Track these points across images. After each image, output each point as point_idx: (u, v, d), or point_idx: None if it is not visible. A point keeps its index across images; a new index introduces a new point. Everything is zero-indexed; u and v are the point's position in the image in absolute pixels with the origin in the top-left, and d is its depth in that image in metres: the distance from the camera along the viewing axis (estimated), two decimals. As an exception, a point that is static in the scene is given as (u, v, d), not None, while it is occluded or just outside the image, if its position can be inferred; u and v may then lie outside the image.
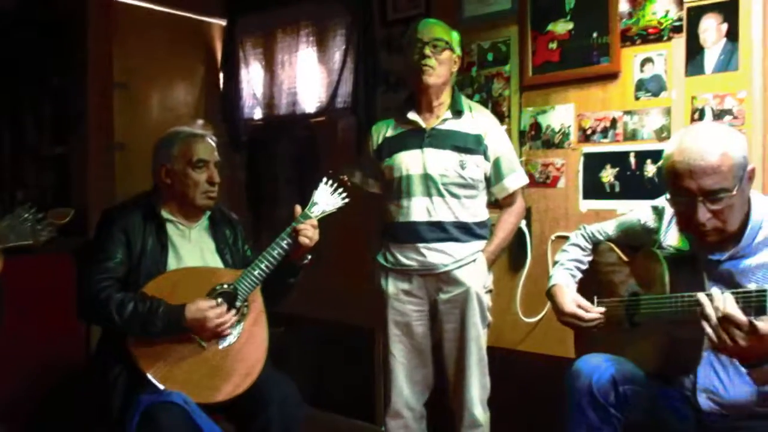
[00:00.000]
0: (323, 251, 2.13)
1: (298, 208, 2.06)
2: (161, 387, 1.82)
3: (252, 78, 3.54)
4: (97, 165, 3.12)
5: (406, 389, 2.30)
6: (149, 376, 1.84)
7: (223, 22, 3.63)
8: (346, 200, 2.13)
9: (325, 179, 2.11)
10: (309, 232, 2.01)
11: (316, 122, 3.31)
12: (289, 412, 1.89)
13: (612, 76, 2.37)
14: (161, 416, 1.72)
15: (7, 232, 1.55)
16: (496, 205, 2.36)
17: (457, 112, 2.26)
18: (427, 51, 2.19)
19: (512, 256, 2.60)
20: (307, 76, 3.31)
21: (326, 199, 2.09)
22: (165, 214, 2.06)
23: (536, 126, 2.56)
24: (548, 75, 2.51)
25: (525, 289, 2.59)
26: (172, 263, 2.00)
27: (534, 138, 2.57)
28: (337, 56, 3.17)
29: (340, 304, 3.11)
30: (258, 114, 3.54)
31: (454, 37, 2.27)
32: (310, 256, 2.10)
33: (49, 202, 3.19)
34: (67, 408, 2.71)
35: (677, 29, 2.23)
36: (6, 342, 1.69)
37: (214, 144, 2.13)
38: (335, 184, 2.12)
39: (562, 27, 2.48)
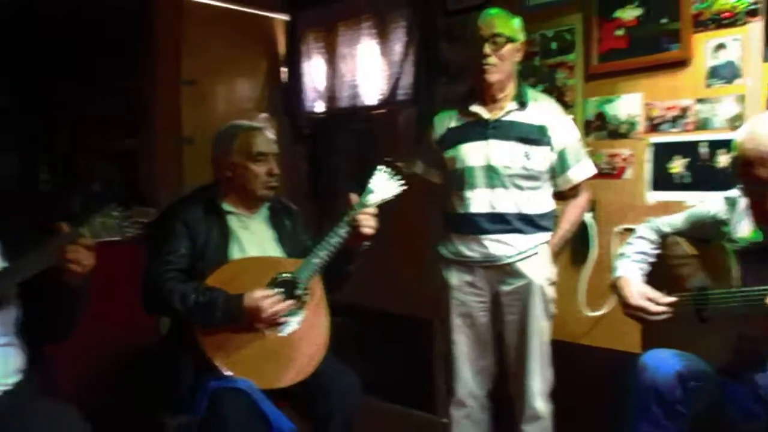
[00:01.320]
0: (382, 241, 2.14)
1: (353, 196, 2.07)
2: (227, 373, 1.88)
3: (314, 71, 3.58)
4: (166, 159, 3.21)
5: (469, 379, 2.30)
6: (216, 362, 1.90)
7: (286, 17, 3.68)
8: (403, 187, 2.12)
9: (381, 166, 2.11)
10: (369, 221, 2.02)
11: (377, 114, 3.33)
12: (351, 402, 1.93)
13: (682, 63, 2.29)
14: (228, 401, 1.78)
15: (99, 229, 1.61)
16: (561, 196, 2.32)
17: (522, 103, 2.22)
18: (487, 49, 2.14)
19: (576, 249, 2.55)
20: (368, 69, 3.32)
21: (383, 186, 2.09)
22: (226, 206, 2.11)
23: (601, 116, 2.50)
24: (615, 63, 2.44)
25: (589, 282, 2.54)
26: (234, 253, 2.05)
27: (599, 128, 2.51)
28: (398, 48, 3.17)
29: (398, 294, 3.12)
30: (320, 107, 3.58)
31: (515, 25, 2.20)
32: (368, 243, 2.10)
33: (121, 194, 3.32)
34: (137, 392, 2.83)
35: (753, 13, 2.14)
36: (80, 328, 1.77)
37: (272, 136, 2.17)
38: (392, 171, 2.11)
39: (629, 13, 2.41)
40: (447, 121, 2.31)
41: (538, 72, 2.65)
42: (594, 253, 2.53)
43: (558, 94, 2.57)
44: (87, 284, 1.65)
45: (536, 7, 2.64)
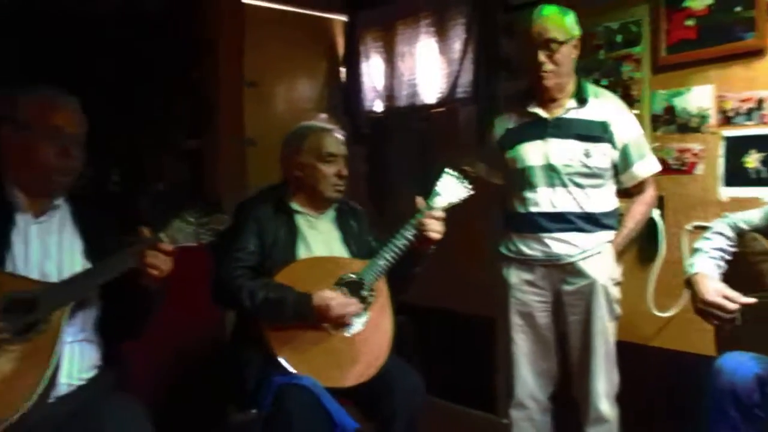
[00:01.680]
0: (443, 240, 2.13)
1: (419, 200, 2.06)
2: (292, 370, 1.90)
3: (372, 71, 3.59)
4: (230, 159, 3.28)
5: (530, 380, 2.26)
6: (281, 358, 1.92)
7: (345, 18, 3.71)
8: (471, 191, 2.11)
9: (448, 169, 2.11)
10: (436, 225, 2.02)
11: (437, 113, 3.31)
12: (414, 401, 1.92)
13: (758, 52, 2.19)
14: (292, 398, 1.80)
15: (176, 234, 1.64)
16: (625, 193, 2.25)
17: (581, 100, 2.17)
18: (542, 56, 2.10)
19: (643, 247, 2.47)
20: (427, 67, 3.31)
21: (450, 189, 2.09)
22: (294, 205, 2.14)
23: (670, 109, 2.42)
24: (684, 54, 2.36)
25: (657, 281, 2.46)
26: (301, 252, 2.08)
27: (668, 122, 2.42)
28: (457, 45, 3.15)
29: (459, 293, 3.10)
30: (378, 106, 3.59)
31: (568, 24, 2.13)
32: (434, 247, 2.09)
33: (187, 194, 3.41)
34: (204, 387, 2.90)
35: (835, -3, 2.03)
36: (150, 326, 1.83)
37: (342, 138, 2.18)
38: (459, 175, 2.11)
39: (700, 2, 2.32)
40: (506, 122, 2.29)
41: (602, 66, 2.58)
42: (663, 251, 2.45)
43: (624, 88, 2.51)
44: (164, 287, 1.69)
45: (600, 0, 2.57)
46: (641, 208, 2.23)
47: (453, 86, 3.17)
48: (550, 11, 2.14)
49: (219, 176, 3.28)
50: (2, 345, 1.48)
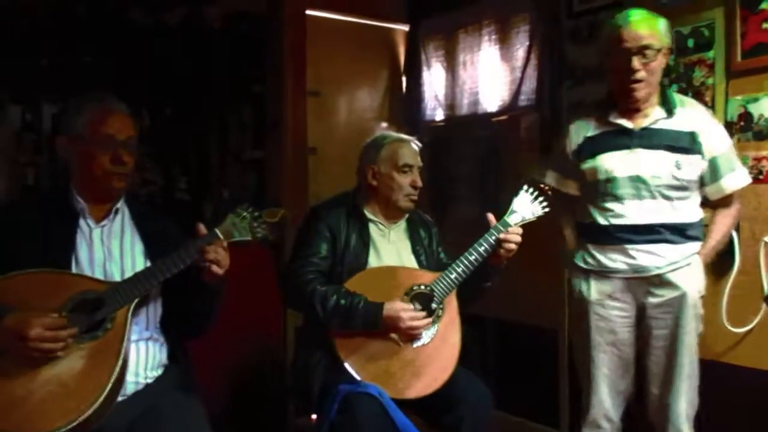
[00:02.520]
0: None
1: (491, 217, 2.05)
2: (357, 378, 1.91)
3: (434, 80, 3.59)
4: (292, 168, 3.33)
5: (607, 400, 2.15)
6: (347, 366, 1.93)
7: (406, 27, 3.72)
8: (547, 209, 2.09)
9: (525, 186, 2.08)
10: (512, 242, 2.01)
11: (499, 121, 3.28)
12: (481, 413, 1.90)
13: (840, 56, 2.09)
14: (358, 406, 1.81)
15: (231, 229, 1.69)
16: (706, 204, 2.15)
17: (669, 111, 2.07)
18: (636, 63, 1.97)
19: (716, 260, 2.37)
20: (489, 75, 3.28)
21: (526, 207, 2.07)
22: (368, 213, 2.16)
23: (746, 116, 2.33)
24: (762, 58, 2.26)
25: (732, 296, 2.36)
26: (372, 261, 2.10)
27: (743, 129, 2.33)
28: (520, 53, 3.11)
29: (522, 305, 3.06)
30: (440, 115, 3.58)
31: (662, 30, 2.02)
32: (506, 263, 2.08)
33: (250, 201, 3.47)
34: (264, 390, 2.94)
35: None
36: (210, 330, 1.87)
37: (417, 149, 2.20)
38: (535, 192, 2.08)
39: (779, 4, 2.23)
40: (583, 130, 2.18)
41: (673, 71, 2.50)
42: (737, 264, 2.35)
43: (695, 93, 2.42)
44: (224, 284, 1.73)
45: (671, 4, 2.50)
46: (728, 220, 2.13)
47: (516, 94, 3.14)
48: (642, 16, 2.02)
49: (282, 184, 3.33)
50: (71, 344, 1.53)
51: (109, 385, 1.53)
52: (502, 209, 2.11)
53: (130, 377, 1.65)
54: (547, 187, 2.14)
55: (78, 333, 1.55)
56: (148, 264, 1.73)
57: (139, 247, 1.77)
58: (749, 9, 2.29)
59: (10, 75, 3.14)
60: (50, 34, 3.10)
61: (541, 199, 2.09)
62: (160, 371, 1.74)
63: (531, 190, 2.08)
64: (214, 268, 1.65)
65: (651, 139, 2.06)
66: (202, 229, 1.68)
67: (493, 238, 2.02)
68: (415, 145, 2.20)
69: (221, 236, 1.67)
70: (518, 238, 2.02)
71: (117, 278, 1.68)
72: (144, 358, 1.70)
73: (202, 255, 1.64)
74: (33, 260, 1.60)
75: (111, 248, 1.73)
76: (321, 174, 3.45)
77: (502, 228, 2.02)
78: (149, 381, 1.70)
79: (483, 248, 2.01)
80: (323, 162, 3.49)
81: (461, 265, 2.01)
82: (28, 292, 1.57)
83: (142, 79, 3.22)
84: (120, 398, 1.61)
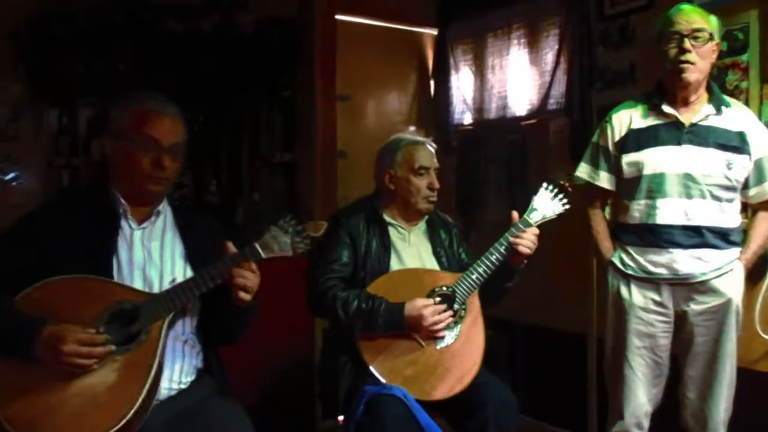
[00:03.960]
0: (535, 254, 2.09)
1: (515, 214, 2.04)
2: (383, 380, 1.92)
3: (462, 83, 3.59)
4: (322, 171, 3.36)
5: (642, 407, 2.13)
6: (372, 368, 1.94)
7: (434, 31, 3.73)
8: (567, 207, 2.06)
9: (545, 184, 2.07)
10: (529, 241, 1.99)
11: (527, 125, 3.27)
12: (506, 416, 1.89)
13: None
14: (384, 407, 1.82)
15: (272, 243, 1.64)
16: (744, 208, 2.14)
17: (718, 108, 2.04)
18: (687, 44, 1.97)
19: (751, 266, 2.34)
20: (518, 79, 3.28)
21: (546, 205, 2.05)
22: (387, 217, 2.17)
23: (781, 120, 2.29)
24: (797, 62, 2.23)
25: (766, 302, 2.32)
26: (393, 264, 2.10)
27: (778, 133, 2.29)
28: (549, 56, 3.10)
29: (549, 309, 3.04)
30: (468, 119, 3.58)
31: (714, 23, 2.03)
32: (526, 261, 2.07)
33: (280, 204, 3.52)
34: (293, 392, 2.97)
35: None
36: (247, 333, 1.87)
37: (433, 150, 2.20)
38: (556, 190, 2.07)
39: (815, 6, 2.19)
40: (628, 121, 2.13)
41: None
42: (772, 270, 2.31)
43: (730, 97, 2.39)
44: (254, 302, 1.69)
45: (705, 6, 2.43)
46: None
47: (544, 98, 3.13)
48: (695, 7, 2.06)
49: (311, 187, 3.36)
50: (107, 356, 1.52)
51: (140, 399, 1.51)
52: (525, 210, 2.09)
53: (164, 383, 1.63)
54: (567, 185, 2.11)
55: (114, 349, 1.53)
56: (188, 268, 1.72)
57: (179, 250, 1.75)
58: (785, 11, 2.26)
59: (49, 79, 3.22)
60: (88, 40, 3.18)
61: (561, 196, 2.07)
62: (193, 377, 1.73)
63: (551, 187, 2.06)
64: (242, 294, 1.62)
65: (702, 135, 2.03)
66: (231, 247, 1.64)
67: (513, 237, 2.01)
68: (431, 146, 2.20)
69: (261, 251, 1.64)
70: (533, 238, 2.00)
71: (155, 281, 1.67)
72: (179, 364, 1.69)
73: (230, 276, 1.61)
74: (74, 261, 1.58)
75: (151, 250, 1.71)
76: (350, 177, 3.47)
77: (522, 227, 2.01)
78: (183, 386, 1.69)
79: (504, 247, 2.01)
80: (352, 165, 3.52)
81: (482, 265, 2.01)
82: (64, 301, 1.56)
83: (176, 84, 3.29)
84: (154, 402, 1.61)
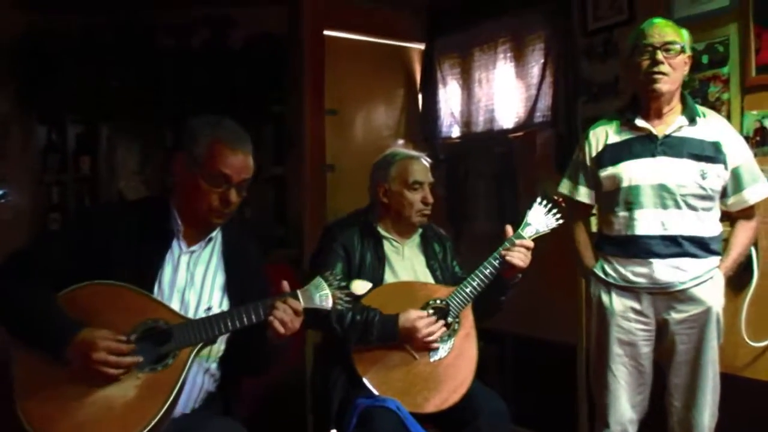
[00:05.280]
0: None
1: (509, 228, 2.05)
2: (375, 392, 1.92)
3: (449, 97, 3.63)
4: (311, 185, 3.38)
5: (626, 414, 2.15)
6: (365, 381, 1.95)
7: (422, 46, 3.78)
8: (560, 221, 2.08)
9: (539, 199, 2.09)
10: (523, 254, 2.01)
11: (515, 137, 3.31)
12: (498, 426, 1.91)
13: None
14: (377, 420, 1.82)
15: (313, 294, 1.64)
16: (724, 218, 2.15)
17: (692, 119, 2.08)
18: (659, 56, 2.01)
19: (735, 274, 2.37)
20: (504, 92, 3.32)
21: (540, 219, 2.07)
22: (381, 230, 2.18)
23: (762, 131, 2.33)
24: (776, 74, 2.28)
25: (751, 309, 2.36)
26: (388, 277, 2.11)
27: (759, 144, 2.34)
28: (535, 70, 3.15)
29: (539, 319, 3.06)
30: (456, 132, 3.62)
31: (685, 36, 2.08)
32: (521, 275, 2.08)
33: (270, 218, 3.53)
34: (285, 406, 2.96)
35: None
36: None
37: (428, 165, 2.22)
38: (549, 205, 2.08)
39: (792, 21, 2.25)
40: (605, 137, 2.18)
41: (688, 86, 2.50)
42: (756, 278, 2.35)
43: (710, 109, 2.42)
44: (288, 342, 1.69)
45: (685, 20, 2.50)
46: (749, 233, 2.13)
47: (531, 111, 3.17)
48: (667, 21, 2.10)
49: (301, 201, 3.38)
50: (132, 370, 1.53)
51: (154, 421, 1.51)
52: (519, 224, 2.10)
53: (178, 408, 1.62)
54: (560, 199, 2.14)
55: (142, 363, 1.54)
56: (225, 298, 1.72)
57: (219, 279, 1.74)
58: (763, 25, 2.31)
59: (38, 96, 3.23)
60: (78, 57, 3.19)
61: (554, 211, 2.09)
62: (204, 401, 1.72)
63: (544, 202, 2.08)
64: (277, 325, 1.60)
65: (675, 146, 2.06)
66: (286, 286, 1.64)
67: (506, 250, 2.02)
68: (425, 161, 2.21)
69: (302, 299, 1.63)
70: (527, 252, 2.02)
71: (192, 306, 1.67)
72: (196, 393, 1.69)
73: (272, 312, 1.60)
74: (119, 270, 1.59)
75: (194, 276, 1.70)
76: (339, 190, 3.49)
77: (514, 240, 2.02)
78: (196, 406, 1.69)
79: (498, 261, 2.02)
80: (341, 178, 3.54)
81: (476, 278, 2.02)
82: (104, 305, 1.57)
83: (166, 99, 3.30)
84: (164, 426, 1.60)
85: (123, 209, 1.82)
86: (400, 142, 3.78)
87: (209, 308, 1.69)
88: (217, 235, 1.77)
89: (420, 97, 3.80)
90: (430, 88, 3.71)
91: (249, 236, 1.90)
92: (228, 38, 3.41)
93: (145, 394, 1.53)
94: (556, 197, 2.13)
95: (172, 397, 1.54)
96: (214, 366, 1.73)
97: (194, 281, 1.70)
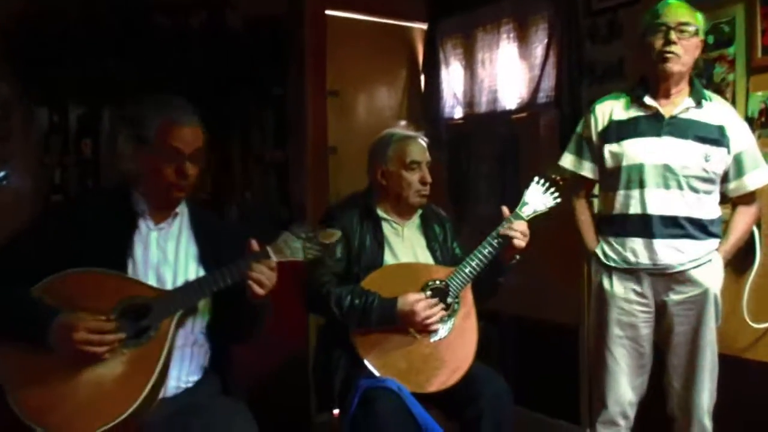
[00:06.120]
0: (527, 247, 2.10)
1: (505, 209, 2.05)
2: (377, 373, 1.94)
3: (452, 78, 3.60)
4: (313, 168, 3.36)
5: (626, 395, 2.17)
6: (366, 362, 1.96)
7: (424, 26, 3.74)
8: (558, 200, 2.07)
9: (537, 178, 2.08)
10: (521, 234, 2.00)
11: (518, 119, 3.29)
12: (501, 406, 1.92)
13: None
14: (378, 400, 1.83)
15: (283, 248, 1.66)
16: (724, 201, 2.16)
17: (699, 101, 2.08)
18: (673, 36, 2.00)
19: (738, 256, 2.36)
20: (508, 73, 3.29)
21: (538, 198, 2.06)
22: (380, 212, 2.18)
23: (767, 112, 2.32)
24: (782, 55, 2.26)
25: (753, 292, 2.35)
26: (387, 259, 2.11)
27: (764, 125, 2.33)
28: (539, 51, 3.12)
29: (541, 300, 3.06)
30: (458, 113, 3.59)
31: (700, 19, 2.07)
32: (519, 256, 2.08)
33: (272, 202, 3.52)
34: (288, 386, 2.98)
35: None
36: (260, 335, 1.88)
37: (425, 144, 2.20)
38: (547, 184, 2.07)
39: (800, 0, 2.22)
40: (610, 112, 2.17)
41: (694, 67, 2.49)
42: (759, 260, 2.34)
43: (716, 90, 2.41)
44: (268, 301, 1.72)
45: (692, 0, 2.49)
46: (748, 219, 2.13)
47: (534, 92, 3.15)
48: (682, 3, 2.09)
49: (303, 184, 3.36)
50: (116, 348, 1.56)
51: (144, 393, 1.54)
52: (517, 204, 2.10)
53: (171, 381, 1.66)
54: (559, 178, 2.11)
55: (125, 338, 1.57)
56: (201, 270, 1.75)
57: (193, 251, 1.78)
58: (770, 5, 2.29)
59: (38, 78, 3.21)
60: (77, 38, 3.16)
61: (552, 190, 2.07)
62: (198, 375, 1.75)
63: (542, 181, 2.07)
64: (256, 288, 1.64)
65: (681, 128, 2.06)
66: (254, 245, 1.67)
67: (505, 230, 2.02)
68: (422, 140, 2.20)
69: (272, 254, 1.65)
70: (525, 232, 2.01)
71: (168, 281, 1.71)
72: (187, 364, 1.72)
73: (247, 273, 1.64)
74: (91, 257, 1.63)
75: (166, 251, 1.75)
76: (341, 173, 3.48)
77: (513, 221, 2.02)
78: (189, 385, 1.72)
79: (496, 241, 2.02)
80: (343, 161, 3.52)
81: (475, 258, 2.02)
82: (80, 292, 1.60)
83: (165, 81, 3.28)
84: (158, 397, 1.63)
85: (87, 200, 1.90)
86: (403, 123, 3.76)
87: (186, 281, 1.71)
88: (183, 209, 1.81)
89: (422, 77, 3.77)
90: (432, 68, 3.68)
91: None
92: (227, 19, 3.37)
93: (133, 368, 1.57)
94: (554, 176, 2.11)
95: (159, 367, 1.58)
96: (201, 337, 1.77)
97: (167, 257, 1.74)
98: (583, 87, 2.93)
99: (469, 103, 3.51)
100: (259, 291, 1.64)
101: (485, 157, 3.46)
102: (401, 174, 2.13)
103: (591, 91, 2.88)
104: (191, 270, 1.75)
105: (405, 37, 3.80)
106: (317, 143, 3.36)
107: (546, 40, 3.08)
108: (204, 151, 1.76)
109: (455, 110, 3.61)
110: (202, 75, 3.27)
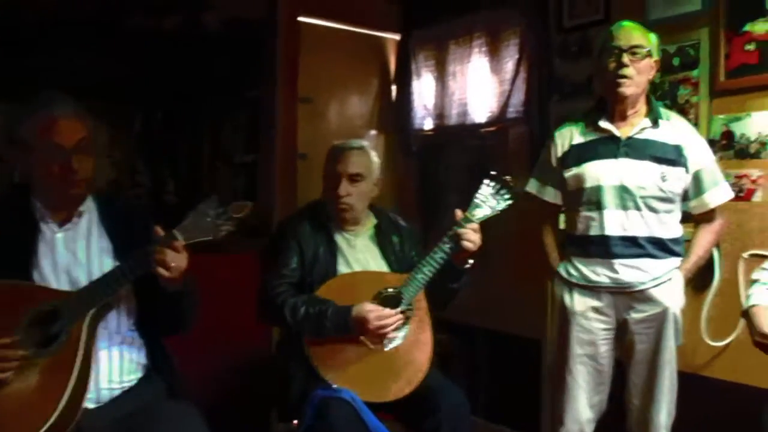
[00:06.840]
0: (487, 258, 2.09)
1: (458, 212, 2.01)
2: (333, 384, 1.92)
3: (423, 89, 3.62)
4: (282, 172, 3.34)
5: (584, 413, 2.17)
6: (322, 372, 1.94)
7: (397, 36, 3.75)
8: (510, 201, 2.01)
9: (487, 180, 2.02)
10: (471, 236, 1.96)
11: (487, 132, 3.30)
12: (459, 419, 1.91)
13: (821, 78, 2.13)
14: (332, 410, 1.81)
15: (192, 229, 1.58)
16: (687, 220, 2.18)
17: (655, 121, 2.10)
18: (625, 59, 2.02)
19: (697, 275, 2.40)
20: (478, 86, 3.31)
21: (489, 201, 2.00)
22: (331, 223, 2.16)
23: (728, 134, 2.36)
24: (744, 79, 2.31)
25: (712, 310, 2.39)
26: (342, 269, 2.10)
27: (725, 147, 2.37)
28: (509, 65, 3.14)
29: (505, 314, 3.08)
30: (429, 124, 3.61)
31: (653, 41, 2.09)
32: (472, 261, 2.05)
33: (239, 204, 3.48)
34: (248, 396, 2.94)
35: None
36: (196, 335, 1.81)
37: (355, 156, 2.13)
38: (498, 185, 2.01)
39: (761, 26, 2.27)
40: (569, 137, 2.19)
41: (659, 88, 2.54)
42: (718, 279, 2.38)
43: (680, 111, 2.45)
44: (188, 288, 1.65)
45: (659, 22, 2.53)
46: (710, 236, 2.15)
47: (504, 106, 3.17)
48: (636, 24, 2.10)
49: (272, 189, 3.34)
50: (29, 360, 1.50)
51: (64, 400, 1.48)
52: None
53: (103, 384, 1.61)
54: (509, 179, 2.05)
55: (31, 351, 1.50)
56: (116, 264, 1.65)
57: (106, 247, 1.70)
58: (733, 30, 2.34)
59: (5, 73, 3.14)
60: (48, 33, 3.10)
61: (504, 191, 2.01)
62: (138, 374, 1.69)
63: (493, 183, 2.02)
64: (162, 271, 1.55)
65: (637, 148, 2.08)
66: (159, 230, 1.58)
67: (456, 234, 1.97)
68: (358, 148, 2.15)
69: (180, 237, 1.56)
70: (475, 234, 1.96)
71: (83, 282, 1.62)
72: (117, 364, 1.65)
73: (153, 259, 1.55)
74: None
75: (76, 252, 1.67)
76: (310, 179, 3.45)
77: (464, 224, 1.97)
78: (126, 386, 1.66)
79: (447, 246, 1.97)
80: (314, 167, 3.48)
81: (427, 264, 1.98)
82: None
83: (136, 81, 3.23)
84: (93, 405, 1.58)
85: None
86: (372, 132, 3.77)
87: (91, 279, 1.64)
88: (90, 205, 1.74)
89: (394, 88, 3.78)
90: (404, 79, 3.69)
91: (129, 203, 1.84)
92: (202, 20, 3.34)
93: (49, 377, 1.51)
94: (504, 177, 2.04)
95: (76, 372, 1.51)
96: (132, 334, 1.70)
97: (78, 257, 1.66)
98: (552, 103, 2.96)
99: (440, 114, 3.53)
100: (165, 273, 1.56)
101: (455, 168, 3.47)
102: (326, 186, 2.14)
103: (559, 108, 2.91)
104: (106, 267, 1.64)
105: (378, 46, 3.81)
106: (287, 148, 3.35)
107: (517, 56, 3.10)
108: (91, 140, 1.67)
109: (426, 121, 3.62)
110: (174, 74, 3.23)
